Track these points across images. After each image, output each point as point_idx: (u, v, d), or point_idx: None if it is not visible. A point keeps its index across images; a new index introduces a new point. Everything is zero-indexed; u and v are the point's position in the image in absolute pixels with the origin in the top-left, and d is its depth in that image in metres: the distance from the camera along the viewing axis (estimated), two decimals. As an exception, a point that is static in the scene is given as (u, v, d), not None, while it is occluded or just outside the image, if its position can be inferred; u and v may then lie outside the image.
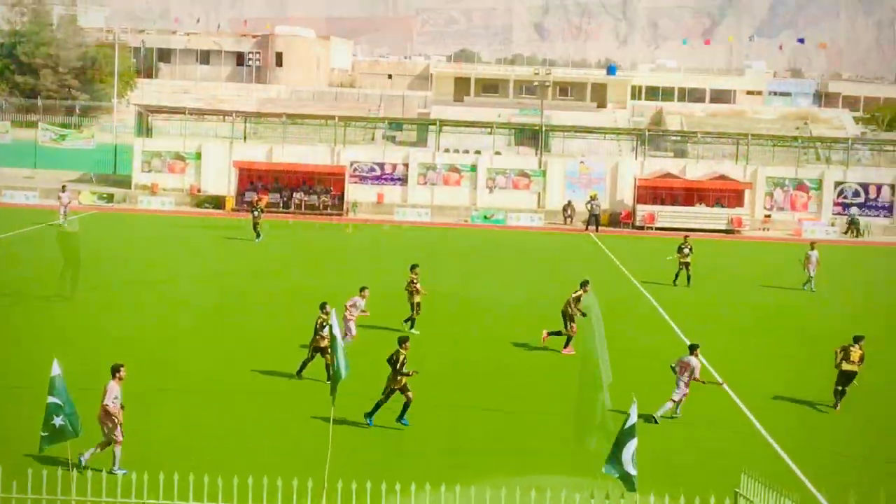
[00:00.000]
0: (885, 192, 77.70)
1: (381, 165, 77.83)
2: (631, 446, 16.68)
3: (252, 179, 75.69)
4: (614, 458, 16.89)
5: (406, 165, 77.66)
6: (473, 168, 77.79)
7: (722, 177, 76.47)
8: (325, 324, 26.69)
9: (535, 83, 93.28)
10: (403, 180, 77.54)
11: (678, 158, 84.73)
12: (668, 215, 73.85)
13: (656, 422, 25.29)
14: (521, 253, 57.57)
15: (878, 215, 77.32)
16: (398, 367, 23.63)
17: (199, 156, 77.59)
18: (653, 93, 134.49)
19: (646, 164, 78.44)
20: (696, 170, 77.85)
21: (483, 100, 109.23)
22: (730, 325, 38.77)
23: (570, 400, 26.81)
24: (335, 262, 51.06)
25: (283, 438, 22.68)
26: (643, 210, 74.34)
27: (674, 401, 25.50)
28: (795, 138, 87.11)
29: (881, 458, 23.71)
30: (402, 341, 24.10)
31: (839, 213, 76.74)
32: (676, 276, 47.12)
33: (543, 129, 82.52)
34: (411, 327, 34.00)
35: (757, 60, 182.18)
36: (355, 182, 76.80)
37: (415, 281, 34.12)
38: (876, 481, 22.00)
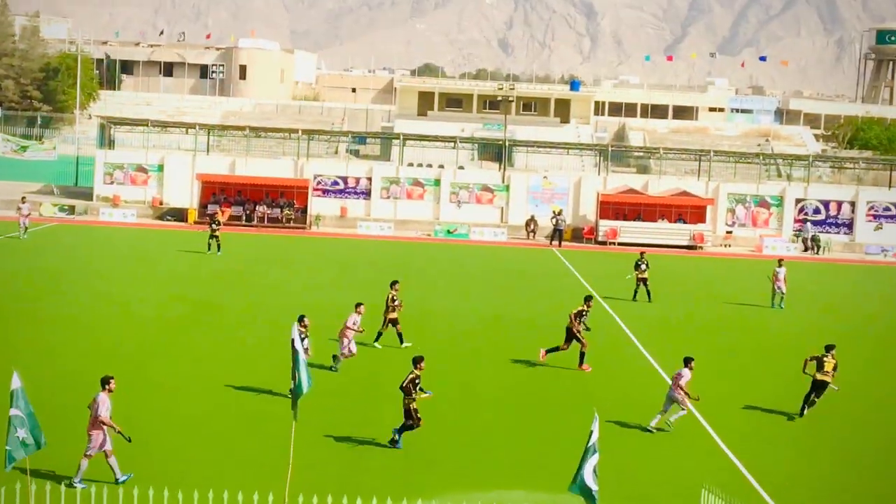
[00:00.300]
0: (846, 209, 78.42)
1: (345, 179, 77.80)
2: (592, 461, 16.72)
3: (215, 192, 75.45)
4: (578, 475, 16.91)
5: (369, 179, 77.67)
6: (437, 182, 77.91)
7: (684, 193, 76.89)
8: (304, 336, 26.68)
9: (499, 98, 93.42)
10: (367, 194, 77.55)
11: (641, 174, 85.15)
12: (631, 231, 74.18)
13: (670, 427, 25.75)
14: (485, 267, 57.59)
15: (838, 232, 78.02)
16: (407, 385, 23.19)
17: (161, 168, 77.29)
18: (616, 108, 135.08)
19: (608, 180, 78.83)
20: (658, 185, 78.32)
21: (447, 114, 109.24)
22: (691, 341, 38.86)
23: (532, 415, 26.91)
24: (299, 276, 50.88)
25: (244, 452, 22.54)
26: (605, 225, 74.61)
27: (684, 412, 25.98)
28: (757, 155, 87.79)
29: (842, 473, 23.85)
30: (417, 361, 23.62)
31: (798, 230, 77.35)
32: (635, 292, 47.30)
33: (507, 143, 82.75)
34: (376, 340, 33.98)
35: (719, 77, 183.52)
36: (318, 195, 76.73)
37: (395, 297, 34.06)
38: (835, 497, 22.16)
